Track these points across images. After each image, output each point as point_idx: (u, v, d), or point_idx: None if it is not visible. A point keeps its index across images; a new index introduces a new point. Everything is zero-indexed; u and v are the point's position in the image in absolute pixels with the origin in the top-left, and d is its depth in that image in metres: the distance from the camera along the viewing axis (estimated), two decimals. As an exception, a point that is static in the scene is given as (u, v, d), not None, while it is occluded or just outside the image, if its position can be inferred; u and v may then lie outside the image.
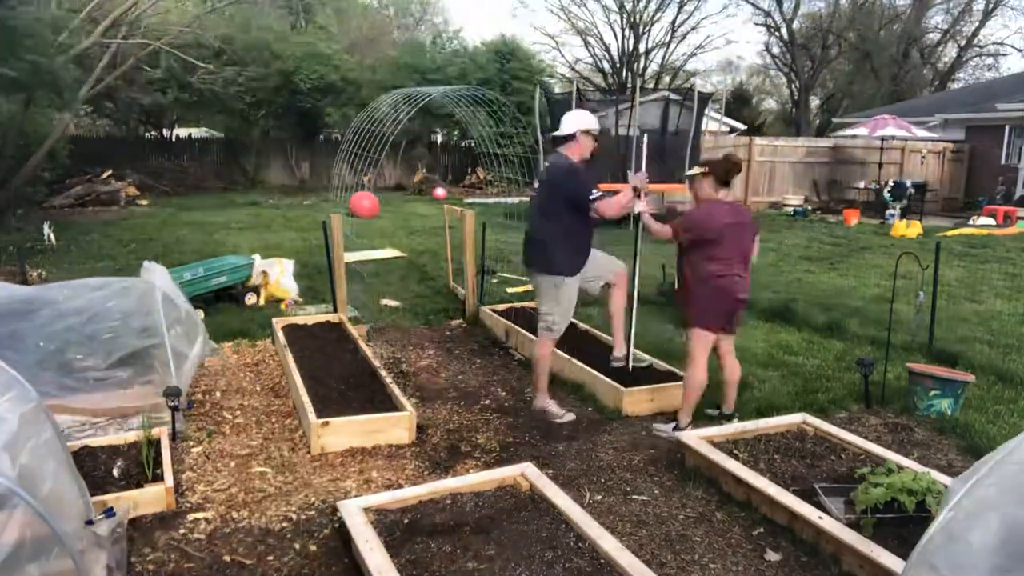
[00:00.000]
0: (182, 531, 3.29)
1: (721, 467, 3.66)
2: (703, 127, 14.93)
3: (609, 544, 2.93)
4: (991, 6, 32.28)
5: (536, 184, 4.77)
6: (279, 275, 7.55)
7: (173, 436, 4.08)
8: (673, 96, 14.96)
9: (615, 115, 14.61)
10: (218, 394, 4.97)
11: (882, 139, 17.48)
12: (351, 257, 9.19)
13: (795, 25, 34.40)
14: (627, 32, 34.10)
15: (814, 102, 37.43)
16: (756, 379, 5.31)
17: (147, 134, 22.03)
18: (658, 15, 33.83)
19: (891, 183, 16.15)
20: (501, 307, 6.84)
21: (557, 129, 4.60)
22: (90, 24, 13.43)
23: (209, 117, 21.89)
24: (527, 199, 5.44)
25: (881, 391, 4.95)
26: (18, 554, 1.97)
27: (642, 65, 34.59)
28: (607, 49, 35.28)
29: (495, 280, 8.18)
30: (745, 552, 3.18)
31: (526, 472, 3.53)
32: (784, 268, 9.87)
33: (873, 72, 34.02)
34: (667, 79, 34.82)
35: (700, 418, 4.50)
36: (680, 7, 33.29)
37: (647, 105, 15.08)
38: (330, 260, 6.64)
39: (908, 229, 13.53)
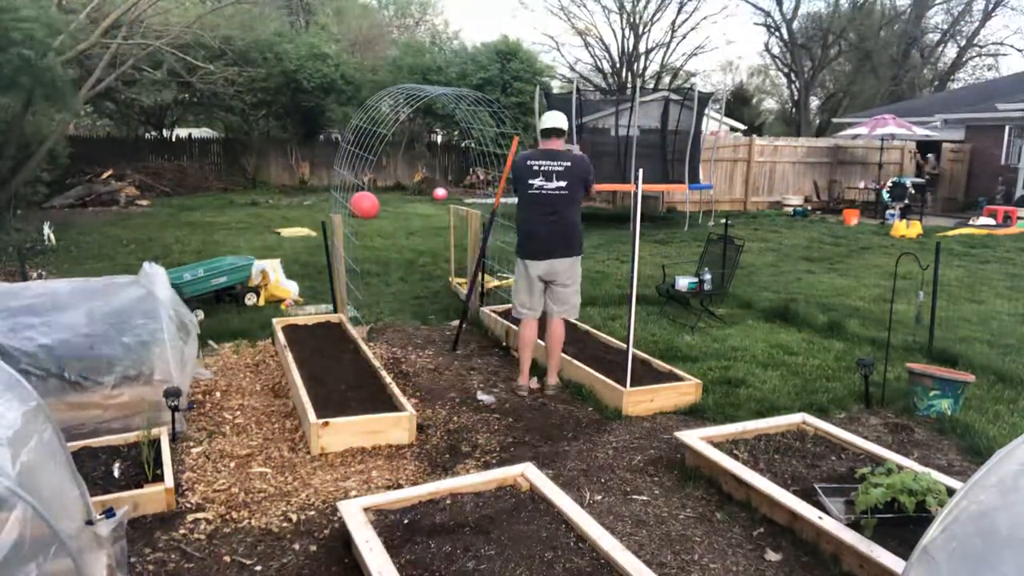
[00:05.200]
0: (182, 531, 3.29)
1: (721, 467, 3.66)
2: (703, 127, 14.94)
3: (609, 544, 2.92)
4: (991, 6, 32.33)
5: (538, 179, 4.85)
6: (278, 275, 7.56)
7: (173, 436, 4.08)
8: (673, 96, 14.99)
9: (615, 115, 14.66)
10: (218, 394, 4.97)
11: (882, 139, 17.48)
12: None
13: (795, 25, 34.43)
14: (627, 32, 34.13)
15: (814, 102, 37.46)
16: (756, 379, 5.31)
17: (147, 134, 22.04)
18: (658, 15, 33.89)
19: (892, 182, 16.17)
20: (501, 308, 6.84)
21: (553, 127, 4.88)
22: (90, 25, 13.44)
23: (210, 117, 21.90)
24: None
25: (881, 391, 4.95)
26: (18, 554, 1.97)
27: (642, 65, 34.61)
28: (607, 49, 35.32)
29: (495, 284, 8.18)
30: (745, 552, 3.18)
31: (526, 472, 3.53)
32: (784, 268, 9.87)
33: (873, 72, 34.04)
34: (667, 79, 34.84)
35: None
36: (680, 7, 33.34)
37: (647, 105, 15.10)
38: (330, 260, 6.64)
39: (908, 229, 13.54)
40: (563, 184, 4.80)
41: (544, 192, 4.82)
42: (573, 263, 4.97)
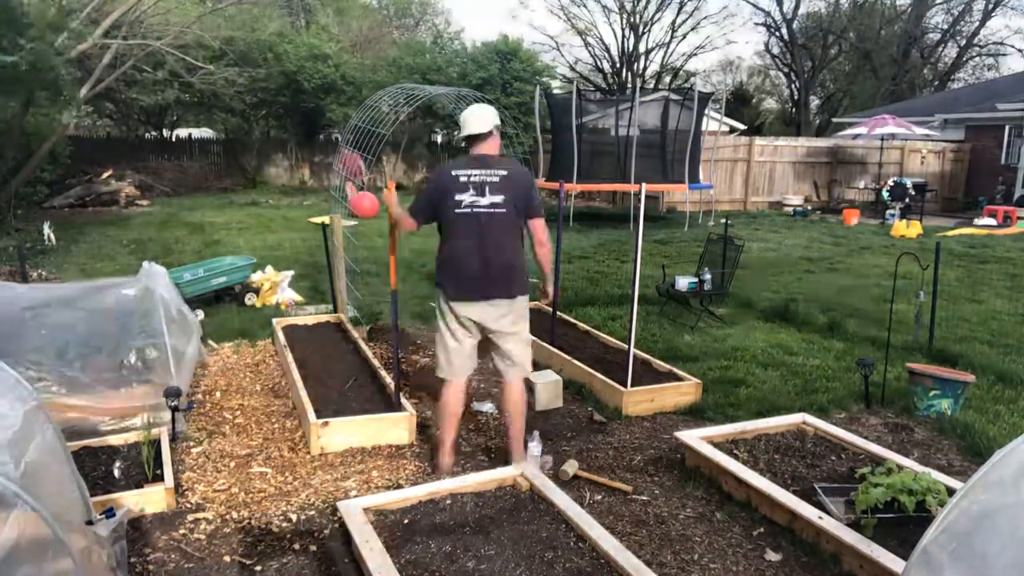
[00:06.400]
0: (182, 531, 3.29)
1: (721, 467, 3.66)
2: (703, 127, 14.95)
3: (609, 544, 2.92)
4: (991, 6, 32.29)
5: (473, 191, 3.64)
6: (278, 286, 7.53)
7: (173, 436, 4.09)
8: (673, 96, 15.00)
9: (615, 115, 14.66)
10: (218, 394, 4.97)
11: (882, 139, 17.49)
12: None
13: (795, 25, 34.41)
14: (627, 32, 34.10)
15: (814, 102, 37.45)
16: (756, 379, 5.31)
17: (147, 134, 22.06)
18: (658, 15, 33.84)
19: (892, 181, 16.17)
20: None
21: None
22: (91, 25, 13.44)
23: (210, 117, 21.91)
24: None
25: (881, 391, 4.95)
26: (18, 554, 1.97)
27: (642, 65, 34.60)
28: (607, 49, 35.31)
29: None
30: (745, 552, 3.18)
31: (526, 472, 3.53)
32: (784, 268, 9.87)
33: (873, 72, 34.04)
34: (667, 79, 34.82)
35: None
36: (680, 7, 33.32)
37: (647, 105, 15.11)
38: (330, 261, 6.64)
39: (908, 229, 13.54)
40: (499, 200, 3.64)
41: (475, 211, 3.65)
42: (512, 307, 3.80)
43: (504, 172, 3.69)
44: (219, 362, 5.64)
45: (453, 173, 3.68)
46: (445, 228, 3.78)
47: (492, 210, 3.67)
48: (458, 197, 3.65)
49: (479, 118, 3.73)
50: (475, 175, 3.66)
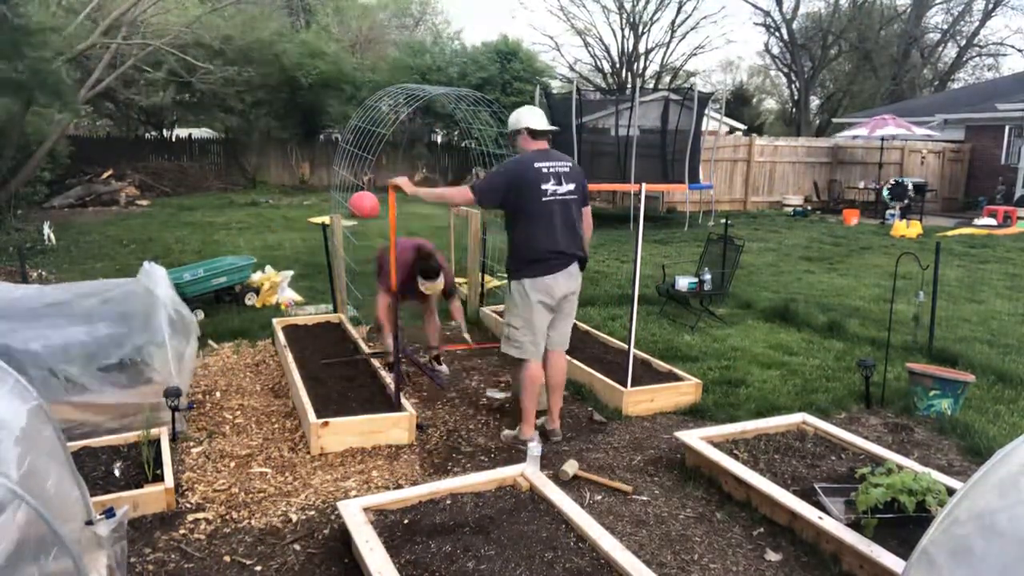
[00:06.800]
0: (182, 531, 3.29)
1: (721, 467, 3.66)
2: (703, 127, 14.95)
3: (609, 544, 2.92)
4: (991, 6, 32.30)
5: (557, 183, 4.05)
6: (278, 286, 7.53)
7: (173, 436, 4.09)
8: (673, 96, 15.00)
9: (615, 115, 14.65)
10: (218, 394, 4.97)
11: (882, 139, 17.49)
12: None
13: (795, 25, 34.42)
14: (627, 32, 34.13)
15: (814, 102, 37.45)
16: (756, 379, 5.31)
17: (147, 134, 22.05)
18: (658, 15, 33.89)
19: (892, 181, 16.17)
20: (502, 307, 6.83)
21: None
22: (90, 24, 13.45)
23: (210, 117, 21.91)
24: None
25: (881, 391, 4.95)
26: (18, 554, 1.97)
27: (642, 65, 34.61)
28: (607, 49, 35.34)
29: (495, 284, 8.18)
30: (745, 552, 3.18)
31: (526, 472, 3.53)
32: (784, 268, 9.87)
33: (873, 72, 34.05)
34: (667, 79, 34.84)
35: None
36: (680, 7, 33.33)
37: (647, 105, 15.11)
38: (330, 261, 6.64)
39: (908, 229, 13.54)
40: (572, 187, 4.10)
41: (558, 198, 4.04)
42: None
43: (568, 164, 4.15)
44: (219, 362, 5.64)
45: (536, 165, 4.02)
46: (533, 217, 4.03)
47: (570, 197, 4.10)
48: (544, 186, 4.01)
49: (542, 116, 4.16)
50: (552, 166, 4.05)
